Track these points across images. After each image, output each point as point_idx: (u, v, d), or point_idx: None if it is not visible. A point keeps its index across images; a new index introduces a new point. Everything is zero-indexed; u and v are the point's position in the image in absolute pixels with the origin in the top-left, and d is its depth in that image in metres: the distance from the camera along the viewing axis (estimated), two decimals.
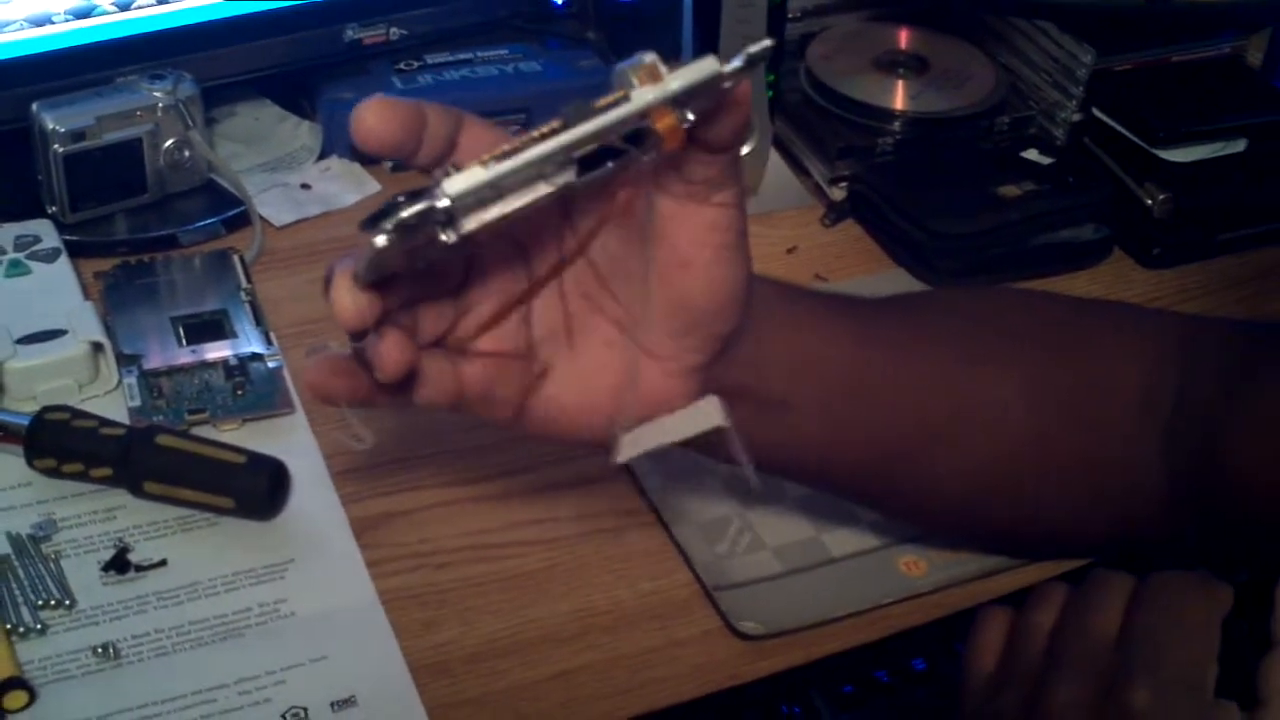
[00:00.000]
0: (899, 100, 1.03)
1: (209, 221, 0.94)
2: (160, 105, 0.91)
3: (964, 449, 0.69)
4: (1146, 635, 0.56)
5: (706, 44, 0.94)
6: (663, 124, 0.51)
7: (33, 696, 0.65)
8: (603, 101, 0.50)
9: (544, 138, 0.49)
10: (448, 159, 0.54)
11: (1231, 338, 0.70)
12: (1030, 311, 0.73)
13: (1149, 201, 0.98)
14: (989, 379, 0.69)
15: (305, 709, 0.66)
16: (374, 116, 0.52)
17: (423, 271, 0.55)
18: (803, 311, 0.66)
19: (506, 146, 0.49)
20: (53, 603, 0.70)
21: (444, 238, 0.50)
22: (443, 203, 0.49)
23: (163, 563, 0.72)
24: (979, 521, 0.73)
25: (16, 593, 0.70)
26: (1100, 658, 0.56)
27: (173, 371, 0.81)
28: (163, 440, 0.75)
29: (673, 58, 0.51)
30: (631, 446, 0.59)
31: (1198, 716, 0.53)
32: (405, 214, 0.49)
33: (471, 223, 0.50)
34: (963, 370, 0.68)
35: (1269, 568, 0.68)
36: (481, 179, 0.49)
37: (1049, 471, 0.69)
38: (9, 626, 0.68)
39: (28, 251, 0.87)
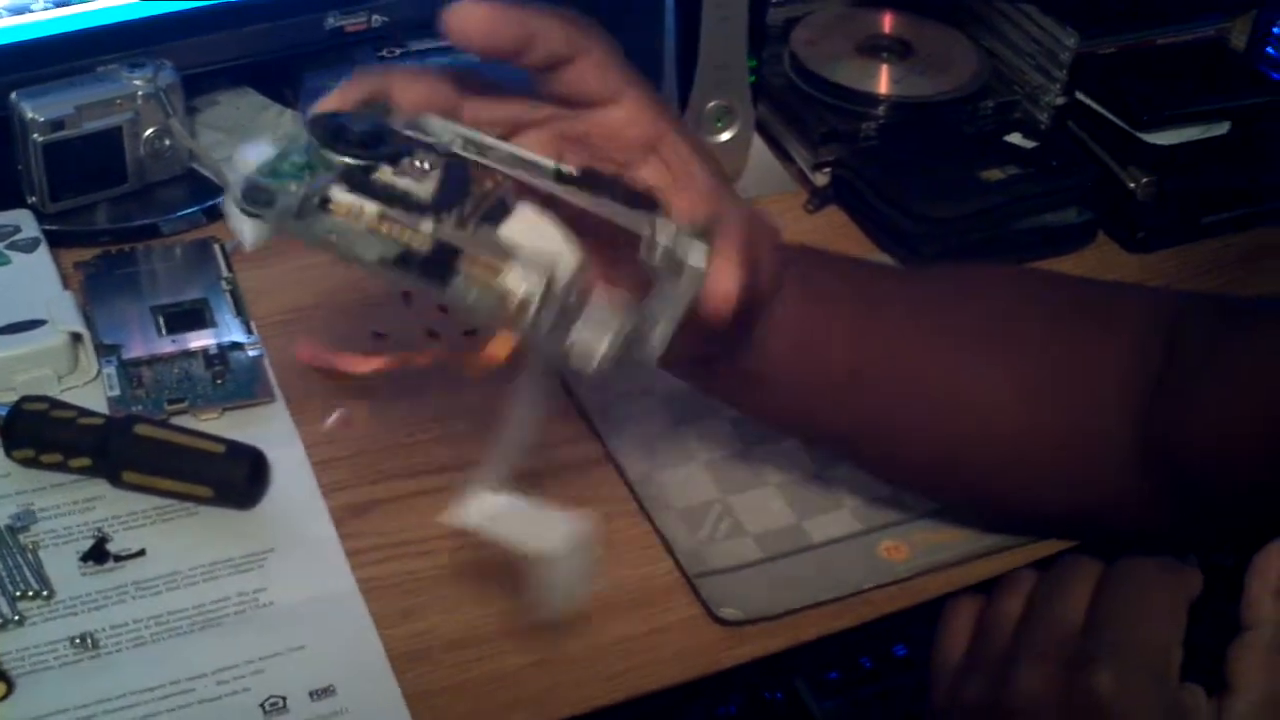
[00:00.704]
0: (883, 85, 1.03)
1: (190, 211, 0.94)
2: (140, 94, 0.91)
3: (947, 428, 0.69)
4: (1111, 619, 0.56)
5: (688, 31, 0.94)
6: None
7: (10, 687, 0.65)
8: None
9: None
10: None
11: (1208, 314, 0.70)
12: (1024, 293, 0.73)
13: (1132, 185, 0.98)
14: (982, 364, 0.69)
15: (284, 698, 0.66)
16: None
17: None
18: (810, 293, 0.67)
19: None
20: (31, 593, 0.69)
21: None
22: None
23: (141, 553, 0.72)
24: (946, 490, 0.75)
25: None
26: (1065, 643, 0.56)
27: (153, 361, 0.81)
28: (141, 430, 0.74)
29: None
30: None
31: (1162, 700, 0.54)
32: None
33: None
34: (960, 356, 0.69)
35: (1248, 550, 0.68)
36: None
37: (1027, 452, 0.69)
38: None
39: (7, 241, 0.87)
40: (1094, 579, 0.58)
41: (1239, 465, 0.65)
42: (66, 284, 0.85)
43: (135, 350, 0.81)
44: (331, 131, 0.54)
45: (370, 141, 0.54)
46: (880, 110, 1.01)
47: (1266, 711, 0.52)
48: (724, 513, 0.77)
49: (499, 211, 0.54)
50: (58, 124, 0.89)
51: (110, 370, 0.80)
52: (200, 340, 0.82)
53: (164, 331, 0.83)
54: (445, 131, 0.56)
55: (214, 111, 1.03)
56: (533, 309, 0.52)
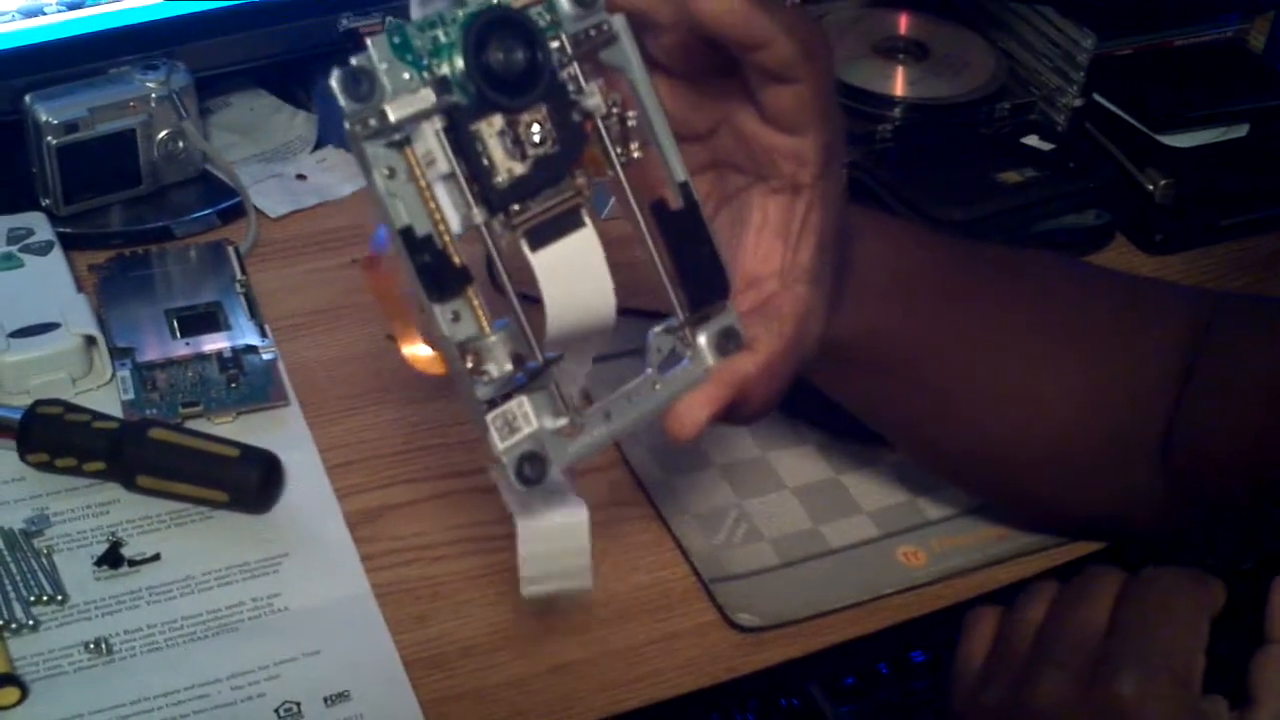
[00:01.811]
0: (899, 86, 1.02)
1: (204, 213, 0.94)
2: (154, 96, 0.91)
3: (994, 424, 0.69)
4: (1134, 627, 0.55)
5: None
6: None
7: (25, 693, 0.65)
8: None
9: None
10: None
11: (1239, 313, 0.70)
12: (1079, 289, 0.73)
13: (1151, 187, 0.97)
14: (1034, 360, 0.69)
15: (299, 703, 0.66)
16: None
17: None
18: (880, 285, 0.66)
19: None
20: (45, 598, 0.69)
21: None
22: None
23: (156, 557, 0.72)
24: (984, 484, 0.74)
25: (9, 588, 0.69)
26: (1087, 650, 0.56)
27: (167, 364, 0.81)
28: (156, 434, 0.74)
29: None
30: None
31: (1184, 709, 0.53)
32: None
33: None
34: (1014, 352, 0.69)
35: (1269, 554, 0.68)
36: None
37: (1068, 450, 0.70)
38: (1, 622, 0.68)
39: (21, 244, 0.86)
40: (1117, 587, 0.57)
41: (1262, 467, 0.65)
42: (80, 287, 0.85)
43: (149, 353, 0.81)
44: (487, 31, 0.48)
45: (514, 75, 0.49)
46: (896, 112, 1.00)
47: None
48: (740, 517, 0.76)
49: (563, 224, 0.50)
50: (71, 126, 0.88)
51: (125, 373, 0.80)
52: (214, 343, 0.82)
53: (178, 334, 0.82)
54: (593, 96, 0.50)
55: (227, 113, 1.03)
56: (478, 385, 0.49)
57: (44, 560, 0.71)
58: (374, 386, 0.82)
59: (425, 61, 0.48)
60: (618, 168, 0.51)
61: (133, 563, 0.71)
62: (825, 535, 0.76)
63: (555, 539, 0.54)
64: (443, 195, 0.48)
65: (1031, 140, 0.99)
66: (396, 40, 0.47)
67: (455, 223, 0.48)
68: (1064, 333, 0.70)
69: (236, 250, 0.90)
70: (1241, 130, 1.00)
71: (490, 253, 0.49)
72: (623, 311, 0.52)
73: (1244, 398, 0.66)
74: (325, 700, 0.66)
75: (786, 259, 0.57)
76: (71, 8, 0.92)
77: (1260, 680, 0.53)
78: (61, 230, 0.89)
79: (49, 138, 0.88)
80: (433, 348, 0.51)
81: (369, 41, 0.47)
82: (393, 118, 0.47)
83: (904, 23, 1.08)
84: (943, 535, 0.76)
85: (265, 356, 0.82)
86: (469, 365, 0.49)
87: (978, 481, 0.74)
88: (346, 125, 0.47)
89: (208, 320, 0.84)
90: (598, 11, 0.51)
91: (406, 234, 0.48)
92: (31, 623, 0.68)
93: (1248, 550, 0.72)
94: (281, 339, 0.84)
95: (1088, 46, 1.01)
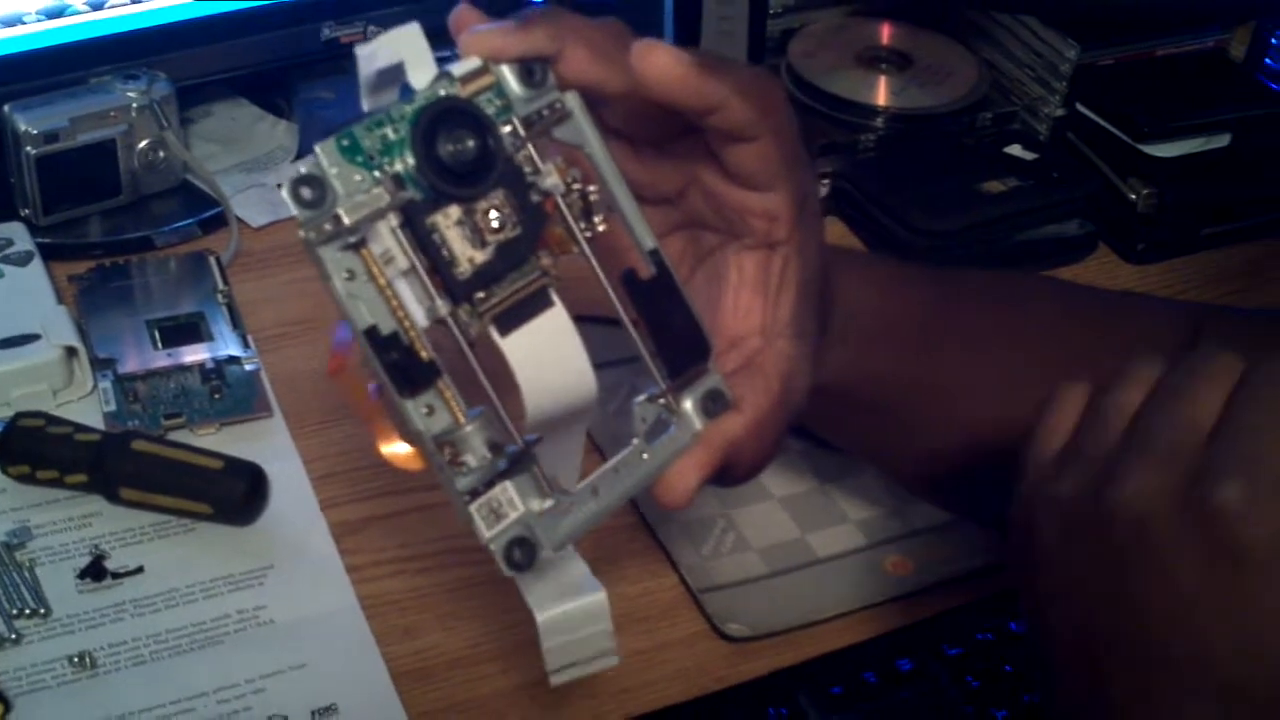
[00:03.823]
0: (881, 96, 1.02)
1: (185, 223, 0.93)
2: (134, 106, 0.90)
3: (979, 456, 0.69)
4: (1248, 429, 0.47)
5: (688, 43, 0.93)
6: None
7: (8, 708, 0.64)
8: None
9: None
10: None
11: (1223, 328, 0.70)
12: (1062, 311, 0.72)
13: (1133, 196, 0.97)
14: (1021, 390, 0.68)
15: (285, 717, 0.65)
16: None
17: None
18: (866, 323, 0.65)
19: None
20: (28, 611, 0.69)
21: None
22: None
23: (139, 569, 0.71)
24: (966, 509, 0.74)
25: None
26: (1189, 448, 0.47)
27: (148, 375, 0.80)
28: (138, 446, 0.74)
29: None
30: None
31: None
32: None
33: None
34: (1000, 384, 0.68)
35: None
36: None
37: None
38: None
39: (0, 255, 0.86)
40: (1230, 383, 0.49)
41: None
42: (61, 298, 0.84)
43: (131, 364, 0.80)
44: (435, 124, 0.48)
45: (466, 165, 0.48)
46: (879, 122, 1.01)
47: None
48: (728, 527, 0.76)
49: (531, 305, 0.49)
50: (51, 136, 0.88)
51: (106, 385, 0.79)
52: (196, 354, 0.82)
53: (160, 345, 0.82)
54: (550, 176, 0.50)
55: (208, 123, 1.02)
56: (458, 476, 0.48)
57: (26, 573, 0.70)
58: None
59: (376, 161, 0.47)
60: (583, 244, 0.51)
61: (116, 575, 0.71)
62: (812, 545, 0.76)
63: (577, 626, 0.52)
64: (405, 291, 0.48)
65: (1014, 150, 1.00)
66: (345, 143, 0.47)
67: (420, 317, 0.48)
68: (1050, 358, 0.69)
69: (218, 260, 0.89)
70: (1223, 140, 1.01)
71: (460, 344, 0.48)
72: (604, 321, 0.52)
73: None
74: (312, 714, 0.65)
75: (767, 315, 0.57)
76: (51, 17, 0.91)
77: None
78: (41, 241, 0.88)
79: (28, 148, 0.88)
80: (409, 443, 0.50)
81: (317, 149, 0.47)
82: (347, 221, 0.46)
83: (887, 33, 1.08)
84: (929, 544, 0.76)
85: (248, 367, 0.81)
86: (447, 458, 0.48)
87: (965, 505, 0.74)
88: (301, 233, 0.46)
89: (189, 331, 0.83)
90: (549, 91, 0.50)
91: (371, 334, 0.47)
92: (14, 636, 0.67)
93: None
94: (264, 349, 0.83)
95: (1070, 56, 1.02)
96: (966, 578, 0.75)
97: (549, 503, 0.50)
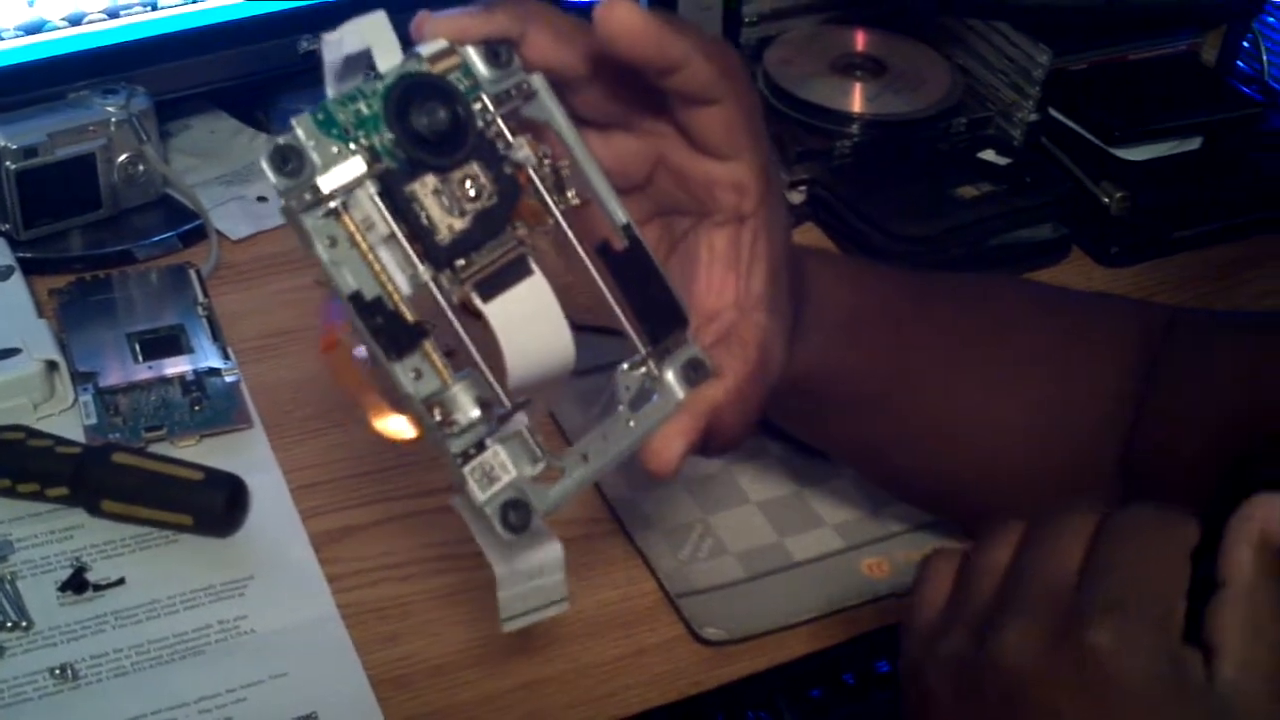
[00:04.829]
0: (856, 103, 1.03)
1: (165, 236, 0.94)
2: (113, 120, 0.91)
3: (955, 458, 0.70)
4: (1109, 571, 0.49)
5: None
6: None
7: None
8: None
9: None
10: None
11: (1194, 329, 0.70)
12: (1030, 314, 0.73)
13: (1106, 200, 0.98)
14: (992, 393, 0.70)
15: None
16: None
17: None
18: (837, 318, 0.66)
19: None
20: (9, 624, 0.69)
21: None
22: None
23: (121, 581, 0.72)
24: (945, 510, 0.75)
25: None
26: (1058, 597, 0.50)
27: (129, 388, 0.80)
28: (119, 458, 0.74)
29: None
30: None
31: (1163, 660, 0.48)
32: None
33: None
34: (971, 385, 0.69)
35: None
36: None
37: (1029, 478, 0.70)
38: None
39: None
40: (1090, 527, 0.51)
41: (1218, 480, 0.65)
42: (41, 312, 0.84)
43: (111, 378, 0.81)
44: (407, 96, 0.49)
45: (440, 134, 0.49)
46: (854, 128, 1.01)
47: (1248, 672, 0.49)
48: (705, 532, 0.77)
49: (511, 273, 0.50)
50: (30, 151, 0.88)
51: (87, 398, 0.80)
52: (177, 366, 0.82)
53: (140, 358, 0.82)
54: (521, 149, 0.51)
55: (187, 136, 1.03)
56: (450, 439, 0.49)
57: (7, 587, 0.71)
58: (338, 407, 0.82)
59: (351, 134, 0.48)
60: (557, 214, 0.51)
61: (97, 587, 0.71)
62: (789, 548, 0.77)
63: (532, 577, 0.53)
64: (387, 257, 0.49)
65: (988, 155, 1.00)
66: (320, 117, 0.48)
67: (403, 283, 0.49)
68: (1022, 358, 0.70)
69: (198, 273, 0.89)
70: (1195, 143, 1.02)
71: (443, 308, 0.49)
72: (582, 328, 0.52)
73: (1200, 415, 0.67)
74: None
75: (740, 289, 0.58)
76: (30, 32, 0.92)
77: (1219, 628, 0.48)
78: (21, 255, 0.88)
79: (8, 163, 0.88)
80: (400, 411, 0.51)
81: (293, 121, 0.48)
82: (325, 189, 0.47)
83: (861, 40, 1.09)
84: (906, 546, 0.77)
85: (228, 379, 0.82)
86: (437, 419, 0.49)
87: (942, 505, 0.75)
88: (282, 202, 0.47)
89: (170, 343, 0.84)
90: (515, 72, 0.51)
91: (356, 299, 0.48)
92: None
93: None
94: (244, 361, 0.84)
95: (1043, 62, 1.03)
96: None
97: (540, 467, 0.51)
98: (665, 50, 0.52)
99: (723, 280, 0.58)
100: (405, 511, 0.77)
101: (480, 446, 0.50)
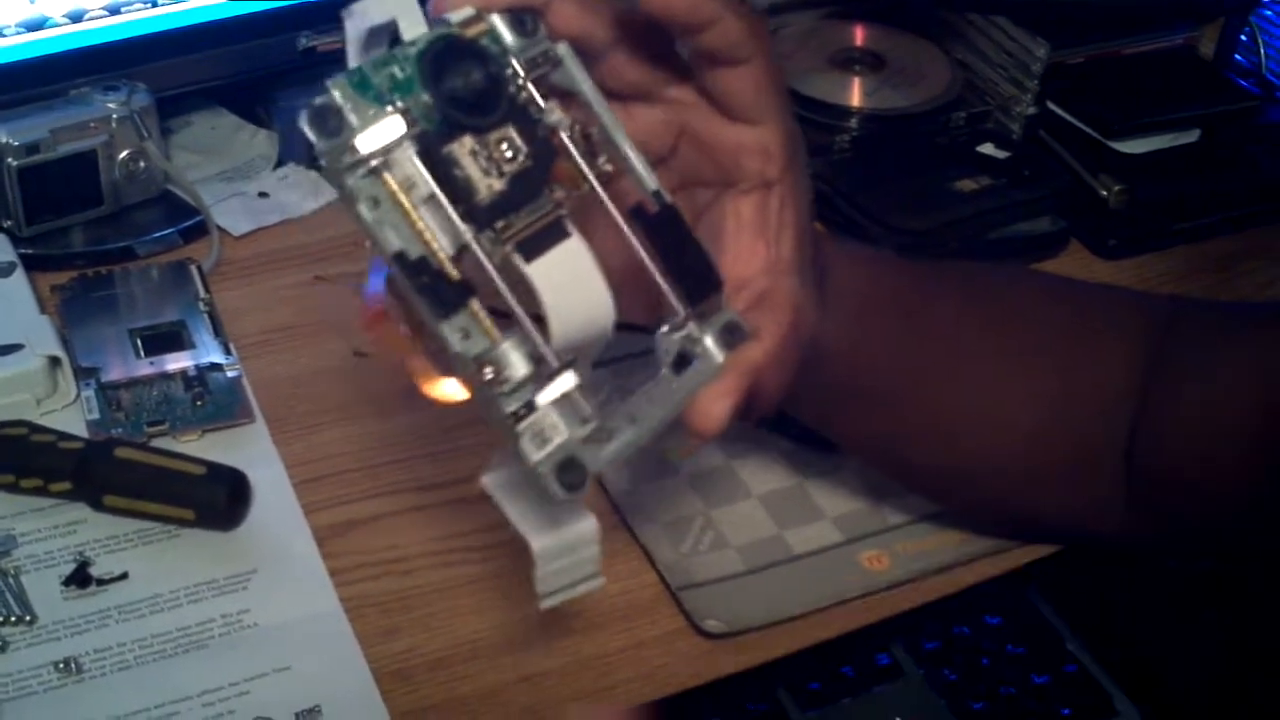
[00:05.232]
0: (855, 98, 1.03)
1: (166, 232, 0.94)
2: (114, 116, 0.91)
3: (963, 445, 0.70)
4: None
5: None
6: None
7: None
8: None
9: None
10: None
11: (1197, 320, 0.71)
12: (1039, 306, 0.73)
13: (1104, 193, 0.99)
14: (1002, 381, 0.70)
15: (270, 719, 0.66)
16: None
17: None
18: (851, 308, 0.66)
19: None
20: (13, 619, 0.69)
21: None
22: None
23: (124, 576, 0.72)
24: (952, 499, 0.75)
25: None
26: None
27: (131, 384, 0.81)
28: (122, 453, 0.74)
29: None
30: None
31: None
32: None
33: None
34: (981, 374, 0.70)
35: (1228, 558, 0.69)
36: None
37: (1036, 465, 0.70)
38: None
39: None
40: None
41: (1222, 474, 0.65)
42: (43, 308, 0.85)
43: (114, 373, 0.81)
44: (441, 59, 0.49)
45: (476, 94, 0.50)
46: (853, 123, 1.02)
47: None
48: (706, 525, 0.77)
49: (550, 235, 0.51)
50: (32, 148, 0.88)
51: (89, 393, 0.80)
52: (179, 362, 0.82)
53: (142, 354, 0.83)
54: (554, 112, 0.51)
55: (188, 133, 1.03)
56: (503, 398, 0.49)
57: (11, 581, 0.71)
58: (339, 402, 0.82)
59: (387, 97, 0.48)
60: (591, 178, 0.52)
61: (101, 582, 0.71)
62: (789, 541, 0.77)
63: (569, 552, 0.53)
64: (429, 217, 0.49)
65: (987, 149, 1.01)
66: (356, 79, 0.48)
67: (445, 243, 0.49)
68: (1028, 347, 0.70)
69: (199, 269, 0.90)
70: (1192, 135, 1.02)
71: (486, 268, 0.49)
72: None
73: (1204, 408, 0.67)
74: (296, 715, 0.66)
75: (770, 255, 0.58)
76: (31, 29, 0.92)
77: None
78: (23, 251, 0.89)
79: (10, 159, 0.88)
80: (450, 373, 0.51)
81: (328, 84, 0.48)
82: (365, 150, 0.48)
83: (860, 34, 1.09)
84: (905, 539, 0.77)
85: (230, 374, 0.82)
86: (487, 377, 0.49)
87: (945, 494, 0.75)
88: (323, 163, 0.47)
89: (172, 339, 0.84)
90: (541, 41, 0.52)
91: (400, 259, 0.48)
92: (0, 644, 0.68)
93: (1207, 557, 0.73)
94: (246, 356, 0.84)
95: (1041, 55, 1.03)
96: (942, 572, 0.75)
97: (590, 427, 0.51)
98: (697, 6, 0.53)
99: (751, 247, 0.58)
100: (407, 506, 0.77)
101: (530, 407, 0.50)
